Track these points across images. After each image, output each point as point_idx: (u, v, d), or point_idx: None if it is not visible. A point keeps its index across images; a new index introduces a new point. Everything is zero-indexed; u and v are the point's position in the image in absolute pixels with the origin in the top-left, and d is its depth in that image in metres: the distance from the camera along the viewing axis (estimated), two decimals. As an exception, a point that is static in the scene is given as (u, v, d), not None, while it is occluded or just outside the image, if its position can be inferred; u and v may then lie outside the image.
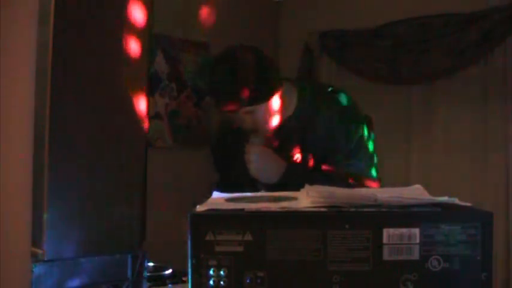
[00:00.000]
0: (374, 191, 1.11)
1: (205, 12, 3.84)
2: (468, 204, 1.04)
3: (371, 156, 1.82)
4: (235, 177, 1.89)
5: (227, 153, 1.95)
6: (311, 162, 1.80)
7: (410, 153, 3.90)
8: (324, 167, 1.78)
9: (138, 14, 1.13)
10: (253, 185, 1.78)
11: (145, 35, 1.15)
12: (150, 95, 1.16)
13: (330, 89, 1.95)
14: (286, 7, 4.41)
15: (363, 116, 1.86)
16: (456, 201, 1.04)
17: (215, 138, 2.08)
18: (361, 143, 1.79)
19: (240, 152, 1.79)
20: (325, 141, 1.78)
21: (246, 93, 1.67)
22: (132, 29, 1.13)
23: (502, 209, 3.47)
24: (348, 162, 1.77)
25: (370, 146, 1.83)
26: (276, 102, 1.74)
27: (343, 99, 1.85)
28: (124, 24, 1.12)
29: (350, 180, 1.74)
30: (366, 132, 1.81)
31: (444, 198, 1.04)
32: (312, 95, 1.85)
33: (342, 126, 1.78)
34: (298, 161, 1.80)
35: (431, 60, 3.71)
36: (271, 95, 1.72)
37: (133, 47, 1.14)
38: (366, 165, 1.80)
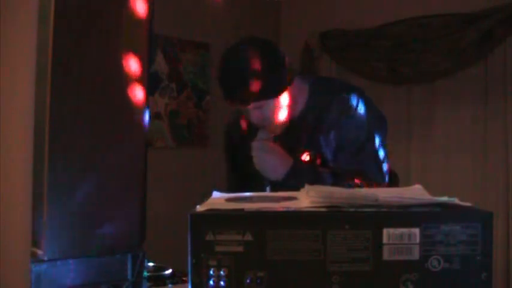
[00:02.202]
0: (374, 191, 1.11)
1: (205, 12, 3.84)
2: (468, 204, 1.04)
3: (380, 156, 1.80)
4: (247, 174, 1.87)
5: (237, 150, 1.94)
6: (318, 161, 1.78)
7: (410, 153, 3.90)
8: (331, 165, 1.77)
9: (138, 14, 1.13)
10: (259, 181, 1.76)
11: (146, 34, 1.15)
12: (150, 95, 1.16)
13: (342, 87, 1.90)
14: (287, 7, 4.41)
15: (377, 115, 1.82)
16: (456, 201, 1.04)
17: (226, 134, 2.06)
18: (371, 143, 1.77)
19: (248, 148, 1.78)
20: (334, 140, 1.76)
21: (255, 88, 1.65)
22: (132, 28, 1.13)
23: (502, 209, 3.47)
24: (356, 161, 1.75)
25: (379, 146, 1.80)
26: (285, 98, 1.73)
27: (355, 98, 1.80)
28: (125, 24, 1.12)
29: (357, 180, 1.72)
30: (377, 132, 1.79)
31: (444, 198, 1.04)
32: (323, 93, 1.82)
33: (351, 126, 1.75)
34: (305, 158, 1.78)
35: (431, 60, 3.71)
36: (281, 90, 1.70)
37: (134, 46, 1.13)
38: (374, 164, 1.78)
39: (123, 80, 1.12)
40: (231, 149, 2.01)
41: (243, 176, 1.91)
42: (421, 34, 3.74)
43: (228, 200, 1.17)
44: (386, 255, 0.97)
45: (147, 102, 1.16)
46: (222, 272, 0.98)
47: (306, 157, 1.78)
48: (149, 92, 1.17)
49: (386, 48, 3.88)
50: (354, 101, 1.79)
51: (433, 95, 3.81)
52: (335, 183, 1.66)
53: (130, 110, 1.13)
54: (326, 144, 1.77)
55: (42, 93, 1.00)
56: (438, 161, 3.77)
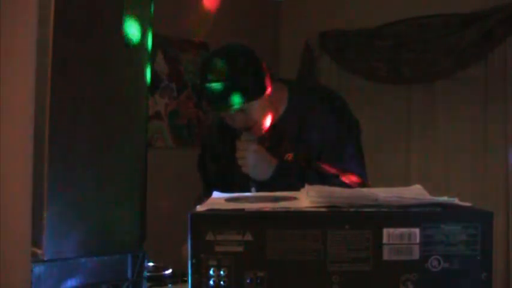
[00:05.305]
0: (374, 191, 1.11)
1: (205, 12, 3.84)
2: (468, 204, 1.04)
3: (361, 156, 1.85)
4: (226, 175, 1.91)
5: (218, 151, 1.96)
6: (303, 161, 1.82)
7: (410, 153, 3.90)
8: (315, 165, 1.80)
9: (138, 14, 1.13)
10: (245, 182, 1.79)
11: (146, 34, 1.15)
12: (150, 95, 1.16)
13: (322, 89, 2.00)
14: (286, 7, 4.41)
15: (354, 117, 1.88)
16: (456, 201, 1.04)
17: (206, 135, 2.10)
18: (353, 143, 1.84)
19: (232, 149, 1.82)
20: (317, 140, 1.80)
21: (238, 92, 1.70)
22: (132, 28, 1.13)
23: (502, 209, 3.47)
24: (340, 160, 1.79)
25: (360, 147, 1.86)
26: (267, 100, 1.76)
27: (336, 99, 1.88)
28: (124, 24, 1.12)
29: (342, 179, 1.76)
30: (356, 133, 1.84)
31: (444, 198, 1.04)
32: (304, 94, 1.88)
33: (334, 125, 1.81)
34: (289, 159, 1.82)
35: (431, 60, 3.71)
36: (263, 92, 1.74)
37: (134, 46, 1.13)
38: (357, 163, 1.83)
39: (123, 80, 1.12)
40: (211, 154, 2.03)
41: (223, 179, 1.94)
42: (421, 34, 3.73)
43: (228, 200, 1.17)
44: (386, 255, 0.97)
45: (147, 103, 1.16)
46: (222, 272, 0.98)
47: (288, 158, 1.82)
48: (149, 92, 1.17)
49: (386, 48, 3.87)
50: (336, 102, 1.87)
51: (433, 95, 3.81)
52: (321, 183, 1.70)
53: (131, 110, 1.13)
54: (309, 145, 1.80)
55: (42, 93, 1.00)
56: (438, 161, 3.77)
